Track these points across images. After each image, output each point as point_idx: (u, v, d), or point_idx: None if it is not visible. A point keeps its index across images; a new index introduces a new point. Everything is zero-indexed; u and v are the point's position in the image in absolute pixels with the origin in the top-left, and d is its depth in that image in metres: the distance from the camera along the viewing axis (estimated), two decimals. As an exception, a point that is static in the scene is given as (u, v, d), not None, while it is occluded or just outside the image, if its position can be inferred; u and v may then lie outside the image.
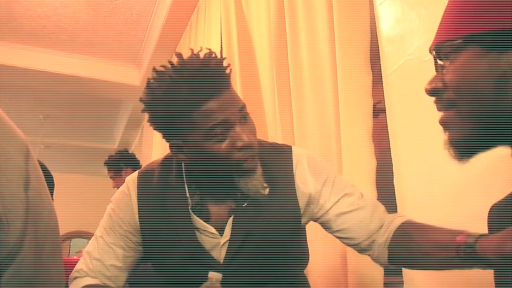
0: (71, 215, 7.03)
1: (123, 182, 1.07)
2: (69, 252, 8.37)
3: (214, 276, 0.75)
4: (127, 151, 3.28)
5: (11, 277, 0.49)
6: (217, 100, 0.87)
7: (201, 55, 0.89)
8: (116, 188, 2.82)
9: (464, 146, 0.62)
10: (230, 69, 0.92)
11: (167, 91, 0.87)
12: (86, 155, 7.32)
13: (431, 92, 0.65)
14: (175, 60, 0.89)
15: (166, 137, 0.96)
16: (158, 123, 0.94)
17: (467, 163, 0.64)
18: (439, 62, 0.64)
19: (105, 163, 3.11)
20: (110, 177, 3.08)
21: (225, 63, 0.90)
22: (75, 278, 1.00)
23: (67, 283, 1.00)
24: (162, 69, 0.89)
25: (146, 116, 0.95)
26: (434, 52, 0.64)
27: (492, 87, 0.57)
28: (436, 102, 0.65)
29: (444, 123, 0.64)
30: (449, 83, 0.61)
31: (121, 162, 3.04)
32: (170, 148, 0.97)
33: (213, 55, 0.90)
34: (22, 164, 0.53)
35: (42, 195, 0.57)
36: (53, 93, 4.93)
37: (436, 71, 0.65)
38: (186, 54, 0.91)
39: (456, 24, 0.60)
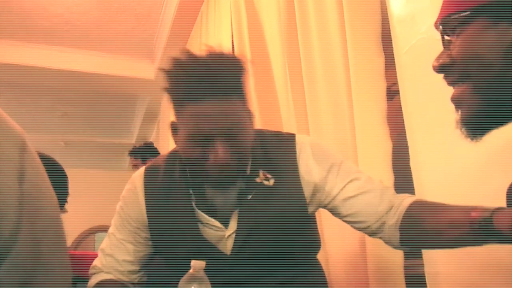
0: (94, 210, 7.14)
1: None
2: (94, 247, 8.53)
3: (197, 264, 0.74)
4: (152, 144, 3.49)
5: (8, 269, 0.49)
6: (206, 105, 0.84)
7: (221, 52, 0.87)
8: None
9: (476, 123, 0.61)
10: (246, 76, 0.89)
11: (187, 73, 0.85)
12: (106, 150, 7.42)
13: (439, 68, 0.64)
14: (201, 52, 0.88)
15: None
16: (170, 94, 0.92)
17: (480, 141, 0.62)
18: (446, 37, 0.63)
19: (130, 153, 3.29)
20: (134, 166, 3.24)
21: (240, 68, 0.88)
22: (92, 274, 1.03)
23: (86, 275, 1.03)
24: (197, 54, 0.88)
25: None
26: (440, 27, 0.63)
27: (501, 59, 0.55)
28: (445, 78, 0.64)
29: (455, 99, 0.63)
30: (456, 58, 0.60)
31: (147, 153, 3.24)
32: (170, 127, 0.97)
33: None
34: (16, 156, 0.53)
35: (41, 188, 0.57)
36: (69, 91, 4.99)
37: (444, 47, 0.64)
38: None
39: None
